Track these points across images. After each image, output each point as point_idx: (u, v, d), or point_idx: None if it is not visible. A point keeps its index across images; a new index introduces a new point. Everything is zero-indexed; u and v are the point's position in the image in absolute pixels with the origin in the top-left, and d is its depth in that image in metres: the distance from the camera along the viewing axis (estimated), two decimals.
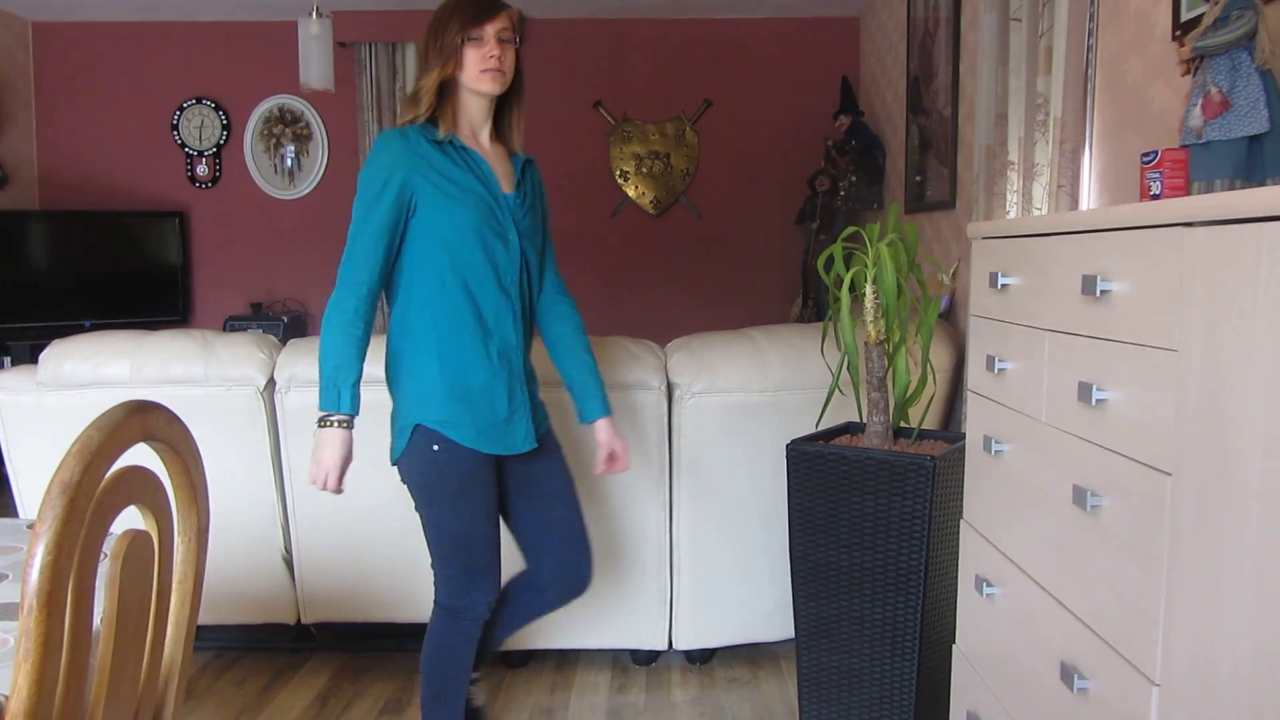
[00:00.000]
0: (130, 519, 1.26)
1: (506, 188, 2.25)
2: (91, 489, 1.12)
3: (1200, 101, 1.76)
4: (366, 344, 2.14)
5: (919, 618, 2.53)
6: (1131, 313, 1.38)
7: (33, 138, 6.07)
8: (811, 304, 5.39)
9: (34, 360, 3.95)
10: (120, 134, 6.12)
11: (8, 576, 1.61)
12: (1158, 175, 1.85)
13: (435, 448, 2.16)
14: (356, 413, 2.14)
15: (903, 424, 2.80)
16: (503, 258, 2.19)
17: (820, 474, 2.65)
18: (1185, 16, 2.19)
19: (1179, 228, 1.25)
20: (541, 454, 2.32)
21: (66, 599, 1.09)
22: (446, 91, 2.20)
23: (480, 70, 2.16)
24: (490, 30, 2.17)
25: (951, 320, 3.73)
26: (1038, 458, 1.72)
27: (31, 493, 3.06)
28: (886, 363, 2.71)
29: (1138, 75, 2.41)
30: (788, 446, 2.72)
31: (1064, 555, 1.61)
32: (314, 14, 4.02)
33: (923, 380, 2.73)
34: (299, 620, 3.18)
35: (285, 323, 5.78)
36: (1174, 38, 2.23)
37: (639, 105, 6.06)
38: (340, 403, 2.11)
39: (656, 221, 6.15)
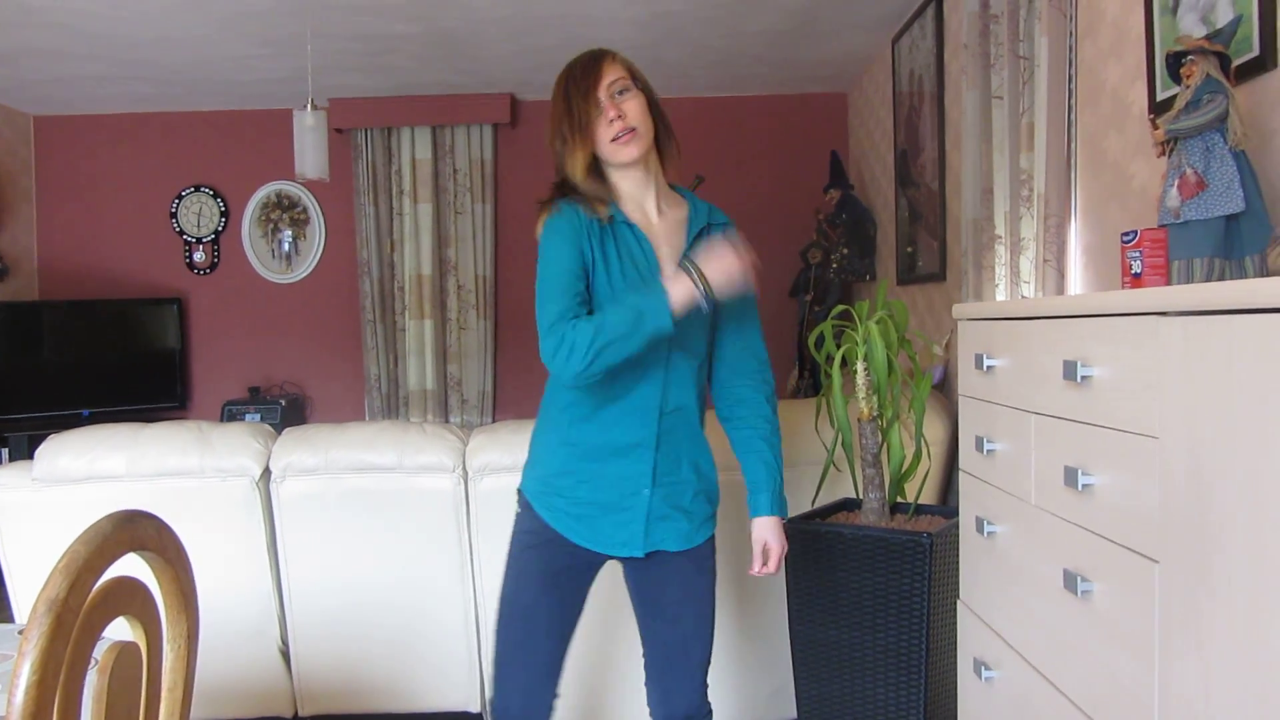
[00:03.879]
0: (120, 629, 1.26)
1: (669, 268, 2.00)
2: (78, 605, 1.12)
3: (1176, 182, 1.79)
4: None
5: (922, 699, 2.50)
6: (1113, 398, 1.39)
7: (33, 229, 6.15)
8: (808, 375, 5.40)
9: (31, 452, 3.96)
10: (120, 223, 6.20)
11: None
12: (1138, 254, 1.87)
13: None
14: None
15: (899, 499, 2.80)
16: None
17: (817, 552, 2.64)
18: (1161, 96, 2.23)
19: (1154, 316, 1.27)
20: (668, 562, 2.05)
21: (51, 717, 1.09)
22: (598, 169, 2.01)
23: (610, 141, 1.96)
24: (602, 91, 1.96)
25: (946, 391, 3.74)
26: (1029, 540, 1.72)
27: (26, 591, 3.04)
28: (880, 439, 2.72)
29: (1117, 152, 2.46)
30: (784, 524, 2.71)
31: (1058, 639, 1.60)
32: (309, 106, 4.10)
33: (917, 456, 2.73)
34: (296, 714, 3.14)
35: (283, 406, 5.80)
36: (1149, 117, 2.28)
37: None
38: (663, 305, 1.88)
39: None
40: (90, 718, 1.21)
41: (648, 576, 2.06)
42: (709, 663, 2.10)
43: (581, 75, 1.97)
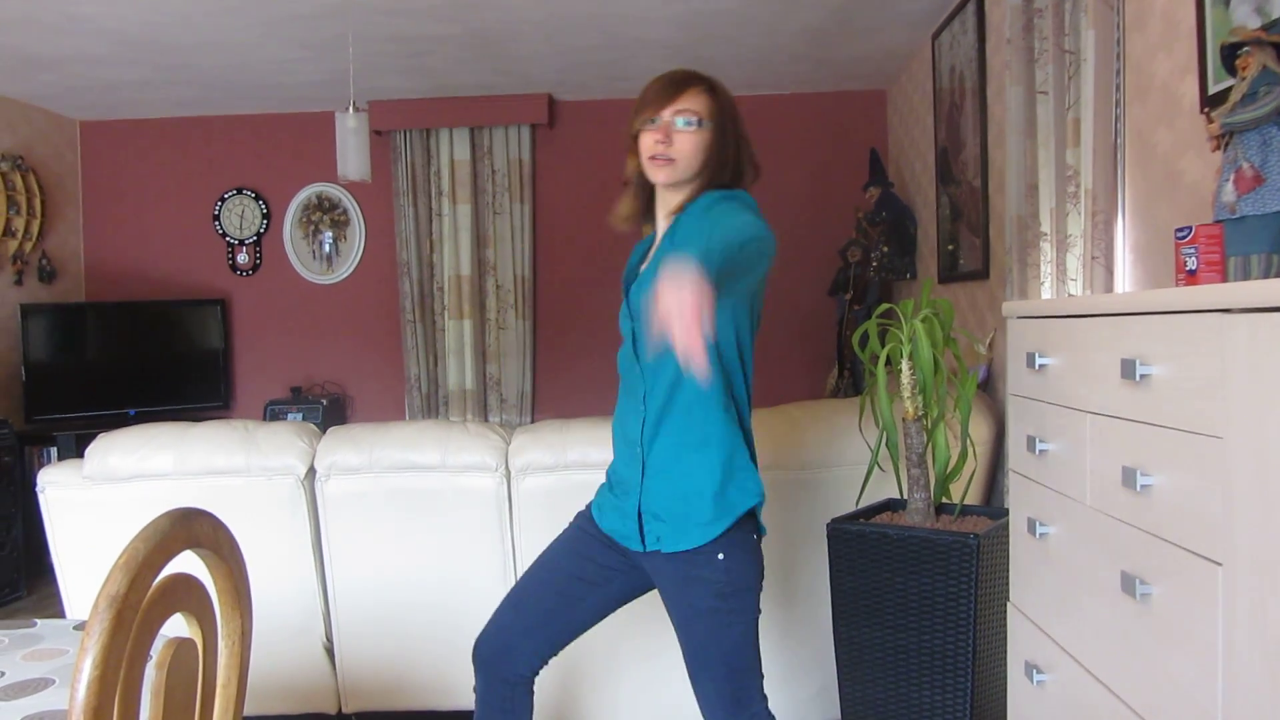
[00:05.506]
0: (175, 624, 1.27)
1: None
2: (138, 601, 1.13)
3: (1232, 177, 1.75)
4: None
5: (969, 702, 2.47)
6: (1174, 397, 1.37)
7: (80, 232, 6.25)
8: (848, 375, 5.37)
9: (80, 451, 4.01)
10: (164, 226, 6.29)
11: (55, 681, 1.62)
12: (1193, 251, 1.83)
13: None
14: None
15: (944, 500, 2.77)
16: (623, 350, 2.10)
17: (862, 553, 2.62)
18: (1213, 90, 2.19)
19: (1217, 314, 1.25)
20: (668, 562, 1.99)
21: (113, 712, 1.10)
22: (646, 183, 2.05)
23: (648, 158, 1.98)
24: (668, 112, 1.96)
25: (990, 391, 3.70)
26: (1084, 542, 1.69)
27: (78, 587, 3.09)
28: (925, 439, 2.69)
29: (1167, 147, 2.42)
30: (828, 525, 2.70)
31: (1115, 643, 1.57)
32: (350, 108, 4.13)
33: (963, 456, 2.71)
34: (340, 710, 3.16)
35: (325, 405, 5.85)
36: (1202, 111, 2.24)
37: None
38: None
39: None
40: (149, 712, 1.22)
41: (658, 579, 2.02)
42: (739, 673, 1.97)
43: (653, 92, 1.98)
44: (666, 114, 1.95)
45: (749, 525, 1.98)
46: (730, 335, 1.97)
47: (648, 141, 1.96)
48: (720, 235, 1.75)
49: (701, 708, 1.99)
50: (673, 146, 1.94)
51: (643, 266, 2.10)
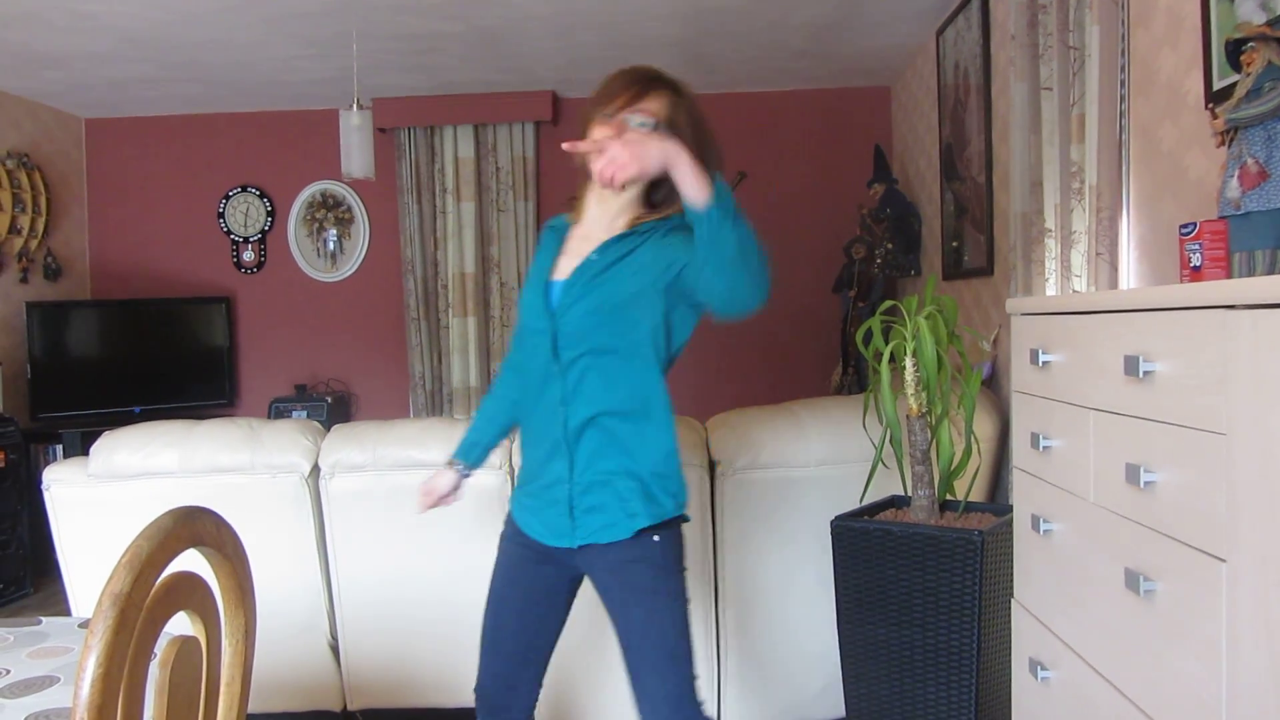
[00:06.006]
0: (179, 622, 1.28)
1: (564, 273, 2.00)
2: (141, 599, 1.13)
3: (1237, 172, 1.75)
4: None
5: (973, 699, 2.47)
6: (1177, 394, 1.36)
7: (85, 230, 6.26)
8: (852, 371, 5.36)
9: (85, 449, 4.02)
10: (169, 223, 6.29)
11: (59, 679, 1.62)
12: (1197, 247, 1.83)
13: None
14: None
15: (948, 497, 2.77)
16: (530, 344, 2.05)
17: (866, 550, 2.62)
18: (1217, 85, 2.19)
19: (1221, 310, 1.24)
20: (603, 553, 1.99)
21: (117, 709, 1.10)
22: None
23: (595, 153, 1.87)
24: (626, 110, 1.91)
25: (994, 387, 3.69)
26: (1087, 538, 1.69)
27: (82, 585, 3.09)
28: (929, 435, 2.69)
29: (1172, 143, 2.41)
30: (832, 522, 2.70)
31: (1119, 640, 1.57)
32: (355, 106, 4.14)
33: (967, 452, 2.70)
34: (344, 708, 3.17)
35: (329, 403, 5.85)
36: (1207, 106, 2.23)
37: None
38: None
39: None
40: (152, 710, 1.22)
41: (591, 571, 2.02)
42: (680, 661, 1.95)
43: (608, 86, 1.93)
44: (623, 111, 1.90)
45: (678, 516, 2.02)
46: (662, 333, 1.96)
47: (598, 135, 1.89)
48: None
49: (642, 710, 1.96)
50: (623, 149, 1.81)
51: (563, 261, 2.03)
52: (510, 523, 2.13)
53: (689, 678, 1.96)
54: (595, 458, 1.96)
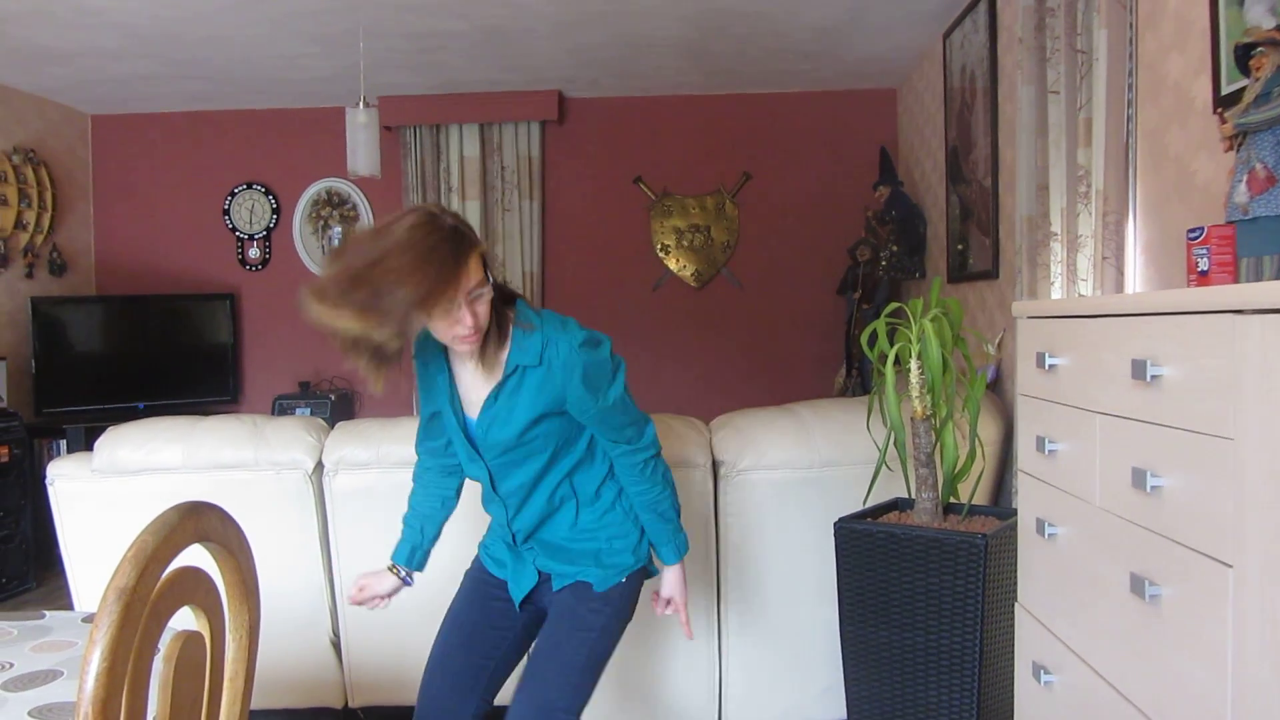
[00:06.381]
0: (183, 617, 1.28)
1: (473, 411, 2.02)
2: (146, 593, 1.13)
3: (1245, 178, 1.75)
4: None
5: (975, 702, 2.47)
6: (1185, 398, 1.36)
7: (90, 226, 6.26)
8: (856, 373, 5.36)
9: (89, 444, 4.02)
10: (174, 220, 6.30)
11: (63, 673, 1.63)
12: (1205, 252, 1.83)
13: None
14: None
15: (952, 500, 2.76)
16: (470, 469, 2.12)
17: (869, 552, 2.61)
18: (1225, 90, 2.18)
19: (1229, 315, 1.24)
20: (549, 609, 2.14)
21: (121, 704, 1.10)
22: None
23: (455, 337, 1.86)
24: (461, 295, 1.79)
25: (999, 391, 3.69)
26: (1093, 542, 1.69)
27: (86, 580, 3.09)
28: (934, 438, 2.68)
29: (1180, 148, 2.41)
30: (835, 524, 2.69)
31: (1124, 645, 1.57)
32: (361, 104, 4.14)
33: (971, 455, 2.70)
34: (346, 704, 3.17)
35: (333, 401, 5.85)
36: (1215, 111, 2.23)
37: (678, 180, 6.13)
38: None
39: (698, 294, 6.18)
40: (156, 705, 1.22)
41: (545, 595, 2.15)
42: (573, 687, 2.00)
43: (444, 278, 1.75)
44: (460, 297, 1.79)
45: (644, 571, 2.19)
46: (574, 426, 2.06)
47: (442, 328, 1.83)
48: (613, 394, 1.98)
49: (512, 708, 1.99)
50: (476, 319, 1.83)
51: (465, 392, 2.04)
52: (477, 562, 2.27)
53: (572, 706, 1.99)
54: (548, 553, 2.12)
